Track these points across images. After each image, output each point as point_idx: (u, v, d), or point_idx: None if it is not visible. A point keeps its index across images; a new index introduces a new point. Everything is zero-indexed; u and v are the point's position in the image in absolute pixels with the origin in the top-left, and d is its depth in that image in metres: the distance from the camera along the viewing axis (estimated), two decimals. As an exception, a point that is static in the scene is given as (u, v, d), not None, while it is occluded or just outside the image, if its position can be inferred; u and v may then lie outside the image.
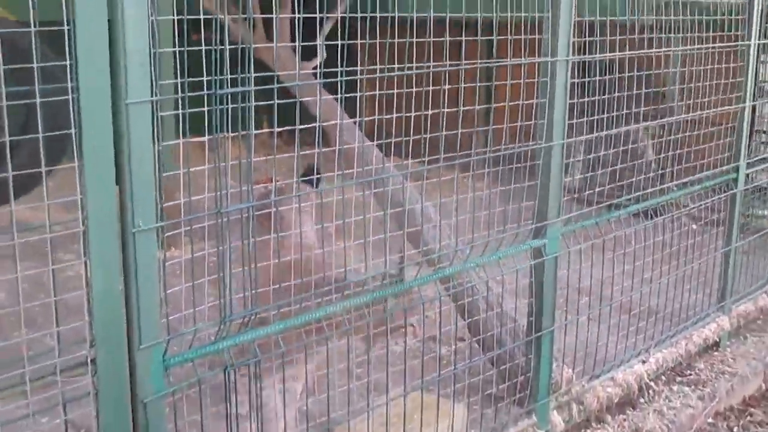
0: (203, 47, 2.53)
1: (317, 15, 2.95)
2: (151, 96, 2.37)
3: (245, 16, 2.78)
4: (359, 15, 3.15)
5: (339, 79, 2.89)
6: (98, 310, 2.37)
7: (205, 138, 2.61)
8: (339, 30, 3.05)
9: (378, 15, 3.15)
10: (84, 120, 2.25)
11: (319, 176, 3.71)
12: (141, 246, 2.43)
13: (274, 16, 3.64)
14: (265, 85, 2.83)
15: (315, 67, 4.70)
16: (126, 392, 2.50)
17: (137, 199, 2.40)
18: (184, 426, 2.89)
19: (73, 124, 2.24)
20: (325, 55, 4.44)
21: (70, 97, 2.22)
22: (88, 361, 2.41)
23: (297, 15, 2.80)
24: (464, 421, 3.81)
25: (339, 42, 3.01)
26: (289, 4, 5.31)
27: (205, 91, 2.54)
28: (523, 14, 3.50)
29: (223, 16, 2.66)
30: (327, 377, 3.09)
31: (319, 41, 5.07)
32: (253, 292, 2.77)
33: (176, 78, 2.58)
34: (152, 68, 2.37)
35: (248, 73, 2.60)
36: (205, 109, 2.58)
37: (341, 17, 3.18)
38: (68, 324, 2.40)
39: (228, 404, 2.77)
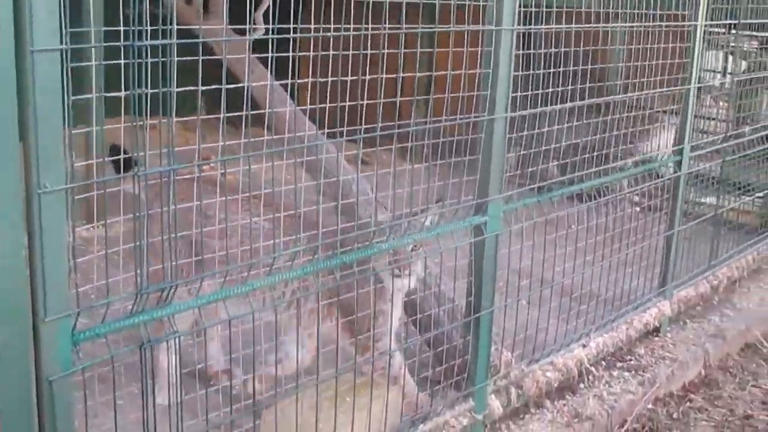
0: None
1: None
2: (61, 44, 2.17)
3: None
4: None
5: (270, 36, 2.70)
6: (-1, 278, 2.16)
7: (122, 93, 2.39)
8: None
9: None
10: (-19, 67, 2.03)
11: (127, 156, 3.42)
12: (47, 209, 2.22)
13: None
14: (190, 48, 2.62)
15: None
16: (29, 369, 2.28)
17: (43, 158, 2.19)
18: (95, 407, 2.69)
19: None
20: (263, 30, 4.25)
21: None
22: (-13, 334, 2.20)
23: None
24: (398, 404, 3.66)
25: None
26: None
27: (122, 42, 2.34)
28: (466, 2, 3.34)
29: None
30: (253, 358, 2.91)
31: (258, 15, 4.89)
32: (173, 263, 2.57)
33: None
34: (62, 14, 2.16)
35: (170, 25, 2.41)
36: (122, 62, 2.38)
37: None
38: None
39: (144, 383, 2.57)
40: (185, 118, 2.76)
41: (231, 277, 2.84)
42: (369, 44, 3.00)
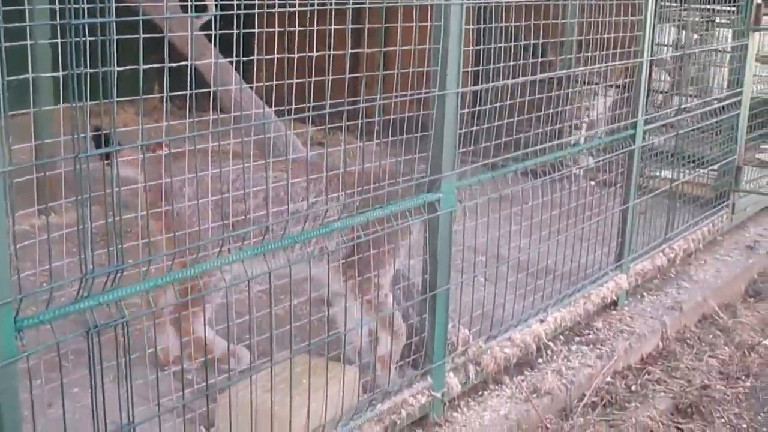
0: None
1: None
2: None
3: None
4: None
5: (213, 14, 2.64)
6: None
7: (60, 73, 2.33)
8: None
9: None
10: None
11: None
12: (-15, 194, 2.16)
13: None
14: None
15: (204, 24, 4.44)
16: (-29, 358, 2.23)
17: (-21, 141, 2.13)
18: (49, 395, 2.64)
19: None
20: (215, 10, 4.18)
21: None
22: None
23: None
24: (355, 384, 3.63)
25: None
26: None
27: (58, 21, 2.28)
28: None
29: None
30: (205, 340, 2.86)
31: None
32: (119, 246, 2.51)
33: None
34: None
35: (108, 2, 2.34)
36: (59, 41, 2.31)
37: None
38: None
39: (92, 369, 2.51)
40: (129, 98, 2.69)
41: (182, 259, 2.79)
42: (316, 21, 2.96)
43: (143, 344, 3.01)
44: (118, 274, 2.53)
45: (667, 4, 5.69)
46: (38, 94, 2.50)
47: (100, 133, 2.77)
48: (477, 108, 3.80)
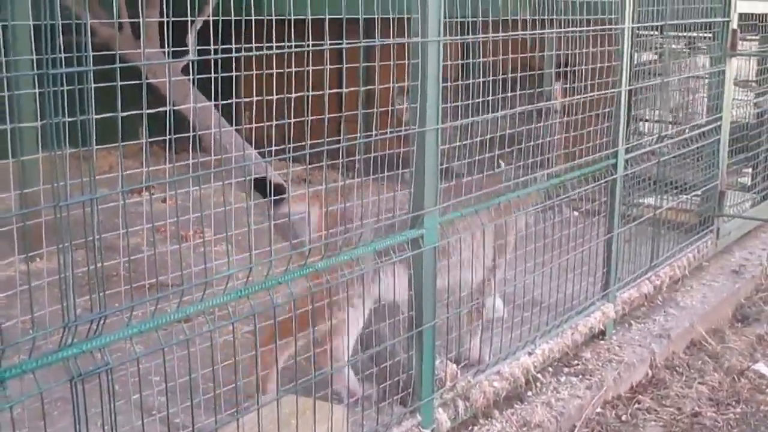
0: (30, 22, 2.29)
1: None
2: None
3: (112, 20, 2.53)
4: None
5: (191, 58, 2.66)
6: None
7: (37, 124, 2.34)
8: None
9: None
10: None
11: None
12: (-35, 245, 2.16)
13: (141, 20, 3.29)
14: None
15: (185, 65, 4.48)
16: (-47, 411, 2.22)
17: (-42, 192, 2.13)
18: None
19: None
20: (195, 53, 4.21)
21: None
22: None
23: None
24: (344, 423, 3.61)
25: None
26: (158, 4, 5.10)
27: (35, 71, 2.29)
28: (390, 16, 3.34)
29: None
30: (189, 382, 2.85)
31: (190, 39, 4.85)
32: (101, 294, 2.51)
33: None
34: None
35: (85, 51, 2.36)
36: (36, 91, 2.32)
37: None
38: None
39: (76, 418, 2.50)
40: (108, 145, 2.70)
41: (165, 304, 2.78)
42: (293, 63, 2.98)
43: (128, 389, 2.99)
44: (102, 321, 2.53)
45: (644, 33, 5.75)
46: (23, 143, 2.52)
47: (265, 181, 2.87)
48: (458, 143, 3.82)
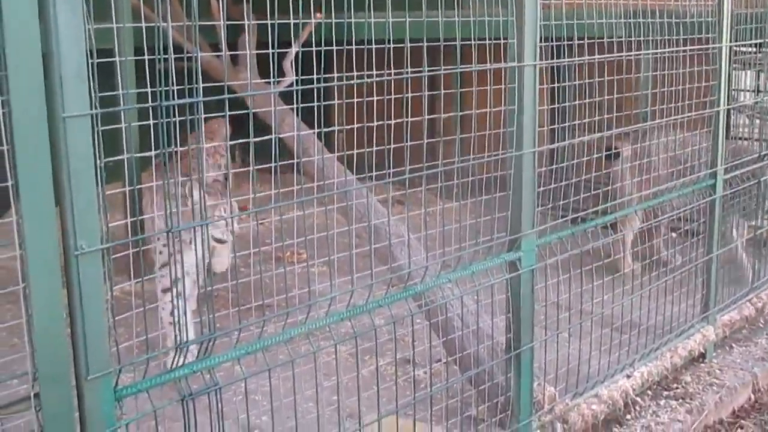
0: (146, 57, 2.40)
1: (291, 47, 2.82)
2: (91, 109, 2.23)
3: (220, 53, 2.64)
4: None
5: (293, 78, 2.75)
6: (41, 340, 2.20)
7: (152, 153, 2.45)
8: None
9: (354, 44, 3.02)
10: (17, 135, 2.09)
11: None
12: (85, 269, 2.27)
13: (248, 52, 3.43)
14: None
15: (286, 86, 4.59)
16: (74, 427, 2.33)
17: (79, 220, 2.24)
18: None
19: (4, 140, 2.09)
20: (294, 76, 4.32)
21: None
22: (32, 395, 2.24)
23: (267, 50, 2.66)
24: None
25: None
26: (255, 32, 5.24)
27: (150, 103, 2.40)
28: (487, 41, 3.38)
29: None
30: (294, 404, 2.93)
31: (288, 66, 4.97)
32: (211, 316, 2.61)
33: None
34: (90, 79, 2.22)
35: (196, 83, 2.46)
36: (151, 122, 2.43)
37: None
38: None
39: (188, 436, 2.59)
40: (218, 173, 2.81)
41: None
42: (393, 89, 3.04)
43: (233, 408, 3.08)
44: (211, 342, 2.62)
45: (743, 50, 5.67)
46: (130, 172, 2.64)
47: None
48: (554, 166, 3.84)
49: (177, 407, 2.58)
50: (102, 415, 2.37)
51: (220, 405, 2.64)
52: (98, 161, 2.27)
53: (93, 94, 2.23)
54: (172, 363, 2.58)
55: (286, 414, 3.29)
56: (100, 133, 2.27)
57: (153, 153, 2.45)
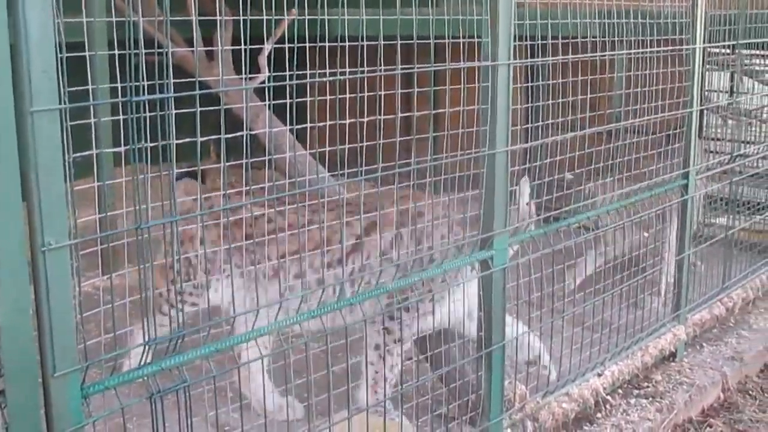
0: (116, 51, 2.38)
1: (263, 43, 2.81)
2: (60, 103, 2.21)
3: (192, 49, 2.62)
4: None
5: (266, 74, 2.74)
6: (6, 336, 2.18)
7: (121, 148, 2.43)
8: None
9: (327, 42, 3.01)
10: (-17, 130, 2.07)
11: None
12: (52, 266, 2.25)
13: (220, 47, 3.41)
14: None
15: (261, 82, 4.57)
16: (41, 425, 2.30)
17: (47, 216, 2.22)
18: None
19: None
20: (267, 72, 4.30)
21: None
22: (-3, 392, 2.22)
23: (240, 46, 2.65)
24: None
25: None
26: (231, 27, 5.22)
27: (120, 98, 2.38)
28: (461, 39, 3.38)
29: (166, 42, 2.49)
30: (264, 402, 2.92)
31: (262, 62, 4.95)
32: (179, 313, 2.59)
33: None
34: (59, 73, 2.20)
35: (166, 79, 2.44)
36: (121, 117, 2.41)
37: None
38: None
39: (155, 433, 2.58)
40: (188, 169, 2.79)
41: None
42: (366, 86, 3.04)
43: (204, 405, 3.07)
44: (180, 340, 2.61)
45: (717, 51, 5.71)
46: (100, 167, 2.62)
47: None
48: (527, 165, 3.85)
49: (146, 404, 2.57)
50: (69, 412, 2.35)
51: (189, 402, 2.63)
52: (67, 156, 2.25)
53: (62, 89, 2.21)
54: (140, 360, 2.56)
55: (256, 411, 3.28)
56: (69, 128, 2.25)
57: (122, 149, 2.42)
